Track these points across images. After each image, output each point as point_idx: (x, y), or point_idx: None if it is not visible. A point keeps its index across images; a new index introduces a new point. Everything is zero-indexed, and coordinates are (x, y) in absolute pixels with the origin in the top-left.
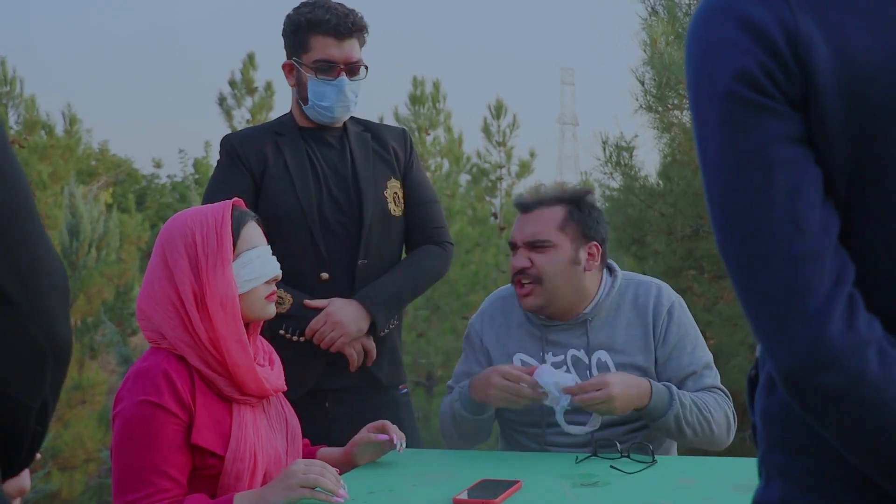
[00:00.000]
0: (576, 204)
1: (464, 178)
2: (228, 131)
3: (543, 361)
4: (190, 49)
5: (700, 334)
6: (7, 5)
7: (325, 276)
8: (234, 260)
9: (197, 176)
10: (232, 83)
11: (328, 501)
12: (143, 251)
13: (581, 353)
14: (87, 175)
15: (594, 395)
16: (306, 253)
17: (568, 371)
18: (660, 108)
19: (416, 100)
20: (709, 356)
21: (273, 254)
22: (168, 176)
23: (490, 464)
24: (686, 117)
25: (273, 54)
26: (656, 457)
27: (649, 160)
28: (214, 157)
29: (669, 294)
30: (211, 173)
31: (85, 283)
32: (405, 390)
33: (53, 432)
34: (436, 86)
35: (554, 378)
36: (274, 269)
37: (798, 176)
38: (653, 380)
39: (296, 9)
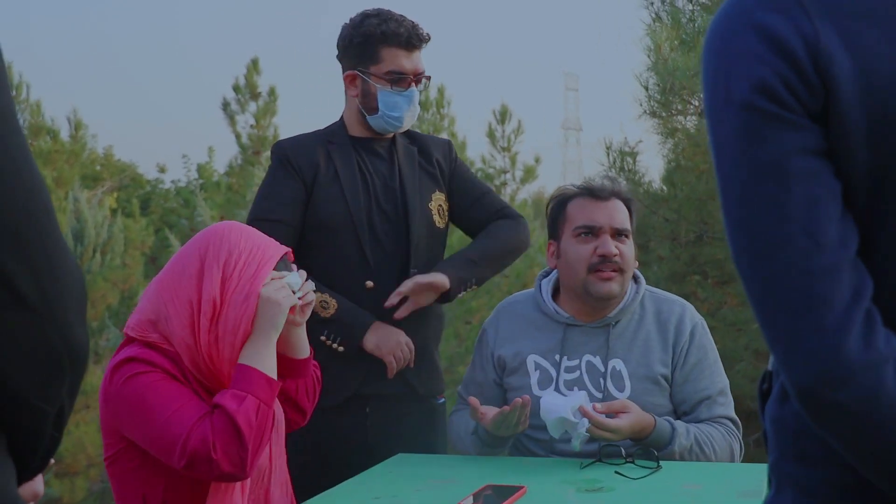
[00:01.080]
0: (629, 205)
1: None
2: (232, 136)
3: (558, 366)
4: (193, 53)
5: (718, 359)
6: (7, 6)
7: (369, 284)
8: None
9: (201, 181)
10: (236, 88)
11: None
12: (148, 256)
13: (597, 360)
14: (91, 180)
15: (606, 423)
16: (353, 260)
17: (578, 387)
18: (664, 114)
19: (420, 104)
20: (725, 382)
21: (320, 260)
22: (172, 181)
23: (494, 469)
24: (690, 123)
25: (276, 59)
26: (661, 462)
27: (653, 166)
28: (218, 163)
29: (693, 315)
30: (215, 178)
31: (89, 289)
32: (442, 400)
33: None
34: (440, 91)
35: (565, 404)
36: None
37: (816, 188)
38: (665, 407)
39: (363, 20)
